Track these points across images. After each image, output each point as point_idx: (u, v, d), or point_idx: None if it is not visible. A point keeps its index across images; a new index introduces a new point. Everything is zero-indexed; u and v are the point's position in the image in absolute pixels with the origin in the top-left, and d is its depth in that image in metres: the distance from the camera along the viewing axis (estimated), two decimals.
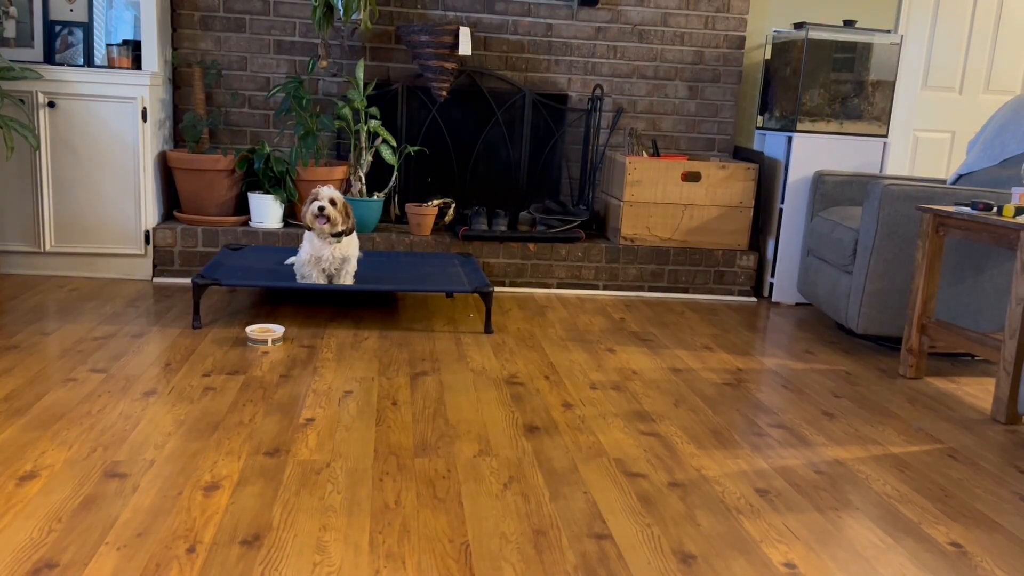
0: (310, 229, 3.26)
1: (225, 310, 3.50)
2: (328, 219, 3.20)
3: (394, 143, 4.23)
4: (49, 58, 3.95)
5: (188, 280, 3.96)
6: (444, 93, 4.23)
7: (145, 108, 3.83)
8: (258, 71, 4.31)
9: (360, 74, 4.11)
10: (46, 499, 1.88)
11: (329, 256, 3.29)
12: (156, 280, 3.95)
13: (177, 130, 4.29)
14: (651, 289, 4.31)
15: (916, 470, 2.36)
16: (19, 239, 3.85)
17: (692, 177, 4.24)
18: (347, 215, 3.28)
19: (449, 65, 4.15)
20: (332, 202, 3.21)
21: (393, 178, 4.33)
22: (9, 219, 3.83)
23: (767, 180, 4.47)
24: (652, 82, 4.58)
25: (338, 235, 3.27)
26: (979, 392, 3.12)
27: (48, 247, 3.86)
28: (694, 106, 4.64)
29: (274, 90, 4.17)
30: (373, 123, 4.16)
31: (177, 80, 4.25)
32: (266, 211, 4.06)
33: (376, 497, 1.98)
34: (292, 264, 3.48)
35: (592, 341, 3.41)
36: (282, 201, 4.07)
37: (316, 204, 3.20)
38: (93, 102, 3.78)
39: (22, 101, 3.72)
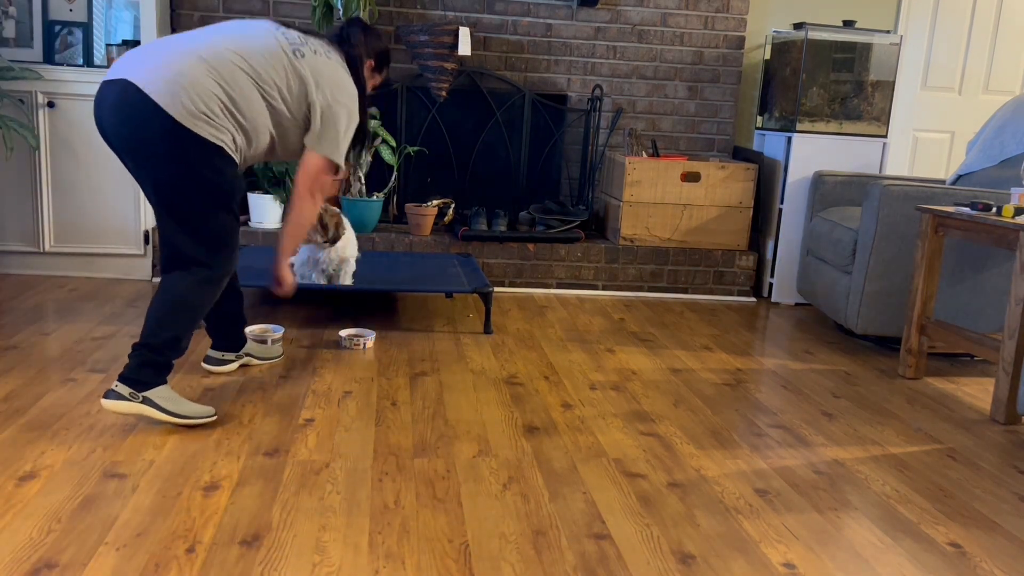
0: None
1: None
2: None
3: (394, 143, 4.23)
4: (49, 58, 3.95)
5: None
6: (444, 93, 4.23)
7: None
8: None
9: None
10: (45, 499, 1.88)
11: (326, 257, 3.29)
12: (155, 280, 3.95)
13: None
14: (650, 289, 4.31)
15: (915, 470, 2.36)
16: (19, 239, 3.85)
17: (691, 177, 4.24)
18: (335, 227, 3.25)
19: (449, 65, 4.15)
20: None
21: (393, 178, 4.34)
22: (9, 219, 3.83)
23: (766, 180, 4.47)
24: (651, 82, 4.58)
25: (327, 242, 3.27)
26: (978, 392, 3.12)
27: (48, 247, 3.86)
28: (693, 106, 4.64)
29: None
30: (373, 123, 4.16)
31: None
32: (265, 211, 4.06)
33: (375, 497, 1.98)
34: (292, 265, 3.47)
35: (591, 341, 3.41)
36: (281, 201, 4.07)
37: None
38: (92, 102, 3.77)
39: (22, 101, 3.72)
